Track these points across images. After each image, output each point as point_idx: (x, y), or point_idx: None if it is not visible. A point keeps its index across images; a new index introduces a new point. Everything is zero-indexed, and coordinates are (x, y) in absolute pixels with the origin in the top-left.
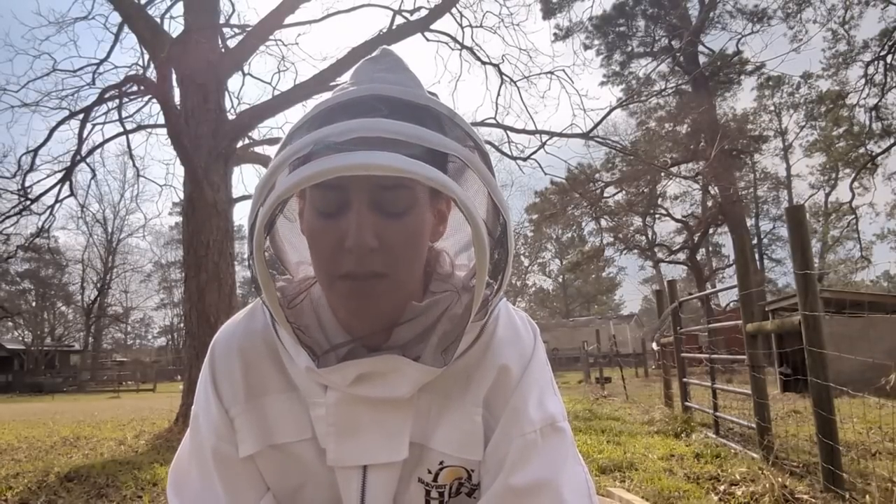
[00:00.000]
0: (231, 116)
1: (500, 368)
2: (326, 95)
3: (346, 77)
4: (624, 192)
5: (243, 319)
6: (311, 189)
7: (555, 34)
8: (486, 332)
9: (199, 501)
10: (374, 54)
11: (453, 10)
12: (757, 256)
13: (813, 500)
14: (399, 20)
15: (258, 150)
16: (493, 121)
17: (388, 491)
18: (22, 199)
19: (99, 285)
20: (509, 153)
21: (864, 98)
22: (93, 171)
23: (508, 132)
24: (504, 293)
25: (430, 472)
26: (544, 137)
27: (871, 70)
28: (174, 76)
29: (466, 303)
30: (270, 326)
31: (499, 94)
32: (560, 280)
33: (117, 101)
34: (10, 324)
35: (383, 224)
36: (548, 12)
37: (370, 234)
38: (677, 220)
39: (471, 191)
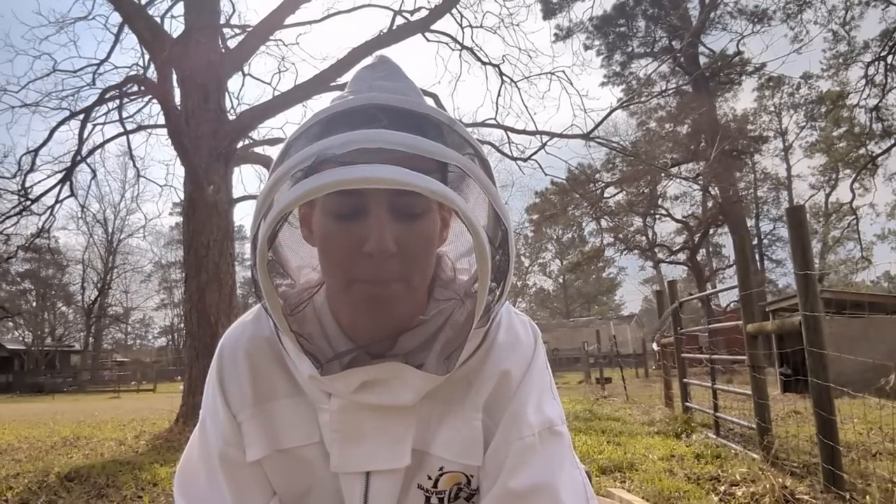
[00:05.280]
0: (231, 117)
1: (500, 374)
2: (326, 97)
3: (346, 78)
4: (624, 192)
5: (249, 323)
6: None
7: (555, 34)
8: (487, 338)
9: None
10: (371, 62)
11: (453, 11)
12: (757, 257)
13: (813, 501)
14: (399, 20)
15: (258, 150)
16: (493, 121)
17: (391, 497)
18: (22, 199)
19: (99, 285)
20: (509, 154)
21: (865, 98)
22: (93, 171)
23: (509, 133)
24: (506, 299)
25: (430, 477)
26: (545, 138)
27: (871, 70)
28: (174, 76)
29: (469, 310)
30: (275, 333)
31: (499, 95)
32: (560, 280)
33: (118, 101)
34: (10, 324)
35: (400, 229)
36: (548, 13)
37: (390, 238)
38: (678, 221)
39: (471, 199)
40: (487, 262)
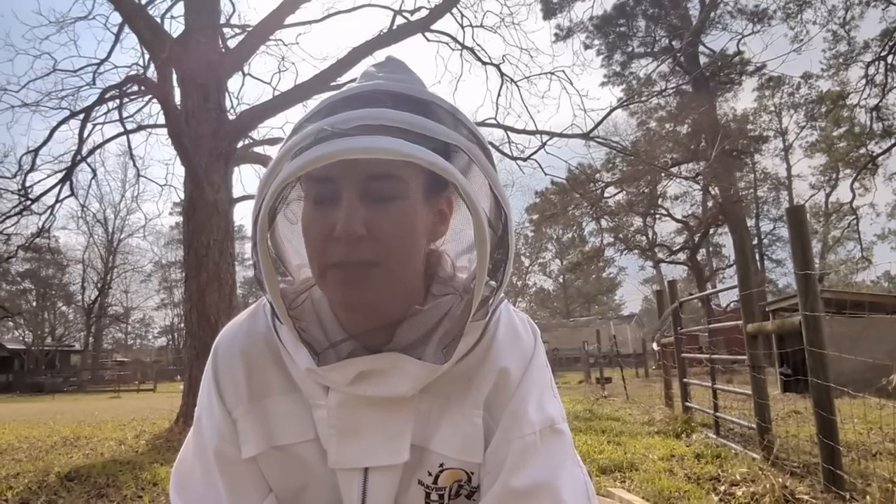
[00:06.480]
0: (231, 116)
1: (500, 371)
2: (328, 95)
3: (346, 78)
4: (624, 192)
5: (245, 321)
6: (305, 181)
7: (555, 34)
8: (487, 334)
9: (202, 502)
10: (380, 60)
11: (454, 10)
12: (757, 257)
13: (813, 501)
14: (399, 20)
15: (258, 150)
16: (493, 121)
17: (389, 493)
18: (22, 199)
19: (99, 285)
20: (510, 153)
21: (865, 98)
22: (93, 171)
23: (509, 132)
24: (504, 293)
25: (430, 474)
26: (545, 138)
27: (871, 70)
28: (175, 76)
29: (467, 301)
30: (272, 328)
31: (499, 95)
32: (560, 280)
33: (118, 101)
34: (10, 324)
35: (372, 212)
36: (548, 12)
37: (358, 221)
38: (678, 221)
39: (474, 184)
40: (486, 242)
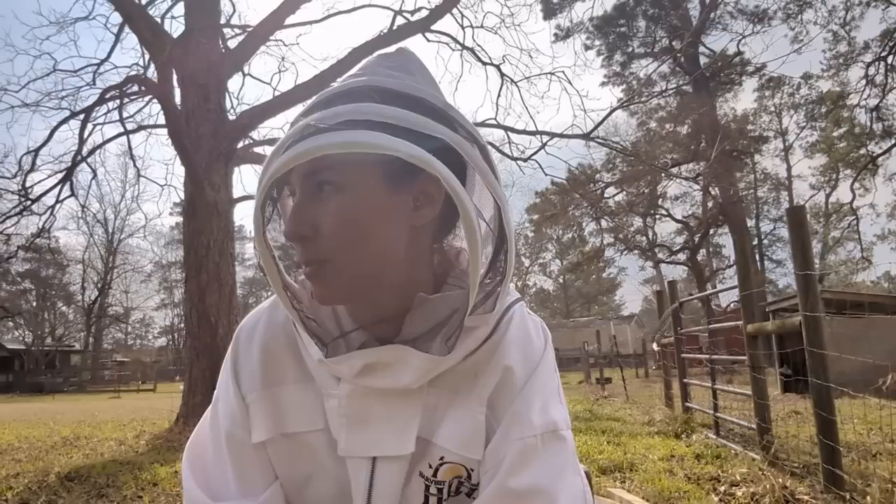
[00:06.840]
0: (231, 117)
1: (505, 368)
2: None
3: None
4: (624, 192)
5: (267, 310)
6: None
7: (555, 35)
8: (498, 332)
9: (211, 480)
10: (388, 51)
11: (454, 11)
12: (757, 257)
13: (813, 501)
14: (400, 20)
15: (258, 150)
16: (493, 121)
17: (396, 483)
18: (23, 199)
19: (99, 285)
20: (510, 154)
21: (865, 99)
22: (93, 171)
23: (509, 133)
24: (510, 285)
25: (430, 466)
26: (545, 138)
27: (871, 71)
28: (175, 76)
29: (467, 293)
30: (290, 319)
31: (499, 95)
32: (561, 280)
33: (118, 101)
34: (10, 324)
35: (317, 210)
36: (548, 13)
37: (302, 222)
38: (678, 221)
39: (475, 189)
40: (476, 234)
